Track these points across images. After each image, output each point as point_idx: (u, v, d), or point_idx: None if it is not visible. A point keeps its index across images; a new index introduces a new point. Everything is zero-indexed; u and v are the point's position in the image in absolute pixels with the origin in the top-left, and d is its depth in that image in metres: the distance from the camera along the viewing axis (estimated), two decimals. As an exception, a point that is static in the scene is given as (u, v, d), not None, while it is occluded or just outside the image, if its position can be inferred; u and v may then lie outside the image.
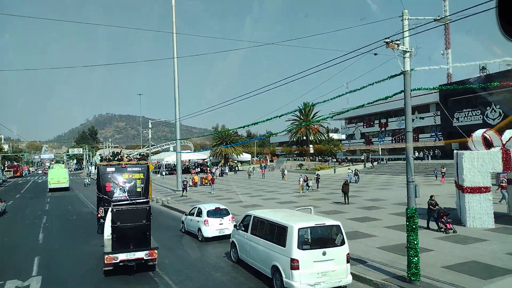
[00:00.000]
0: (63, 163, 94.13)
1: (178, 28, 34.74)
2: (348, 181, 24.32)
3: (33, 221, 23.39)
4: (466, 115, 53.03)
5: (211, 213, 15.92)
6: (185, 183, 33.27)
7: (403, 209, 21.83)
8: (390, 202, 23.63)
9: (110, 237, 11.89)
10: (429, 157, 56.56)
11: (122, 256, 11.31)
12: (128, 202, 13.96)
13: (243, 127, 24.90)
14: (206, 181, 45.33)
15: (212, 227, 15.56)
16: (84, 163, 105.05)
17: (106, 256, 11.24)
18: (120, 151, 24.69)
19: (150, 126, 38.67)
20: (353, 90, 16.79)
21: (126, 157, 22.60)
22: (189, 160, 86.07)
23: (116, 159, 20.30)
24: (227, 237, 15.83)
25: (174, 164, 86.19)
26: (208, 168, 69.91)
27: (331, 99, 16.77)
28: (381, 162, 58.58)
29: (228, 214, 16.15)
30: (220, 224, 15.70)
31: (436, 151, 57.57)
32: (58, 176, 46.75)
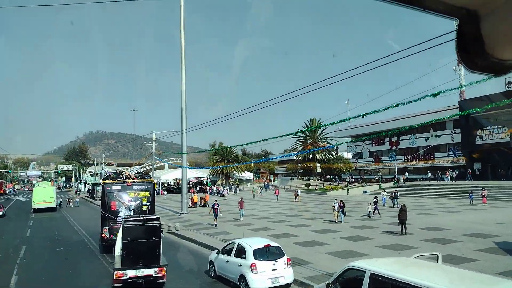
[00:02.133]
0: (50, 181, 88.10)
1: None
2: (405, 207, 19.66)
3: (7, 254, 18.27)
4: (491, 133, 49.17)
5: (259, 254, 11.13)
6: (216, 207, 24.55)
7: (487, 243, 16.49)
8: (458, 233, 19.03)
9: (121, 253, 11.78)
10: (449, 178, 52.31)
11: (131, 273, 11.24)
12: (139, 218, 13.32)
13: (247, 144, 20.67)
14: (205, 202, 40.89)
15: (263, 275, 10.75)
16: (73, 181, 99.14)
17: (116, 272, 11.19)
18: (121, 171, 21.58)
19: (154, 138, 33.68)
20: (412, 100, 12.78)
21: (129, 175, 19.67)
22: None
23: (120, 177, 18.32)
24: (283, 288, 11.12)
25: (169, 183, 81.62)
26: (208, 188, 64.95)
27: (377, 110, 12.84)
28: (398, 183, 54.16)
29: (282, 254, 11.38)
30: (273, 270, 10.92)
31: (457, 170, 53.46)
32: (44, 195, 41.50)
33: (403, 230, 19.14)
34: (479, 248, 15.58)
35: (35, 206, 40.33)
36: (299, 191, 44.19)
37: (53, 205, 41.48)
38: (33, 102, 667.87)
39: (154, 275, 11.35)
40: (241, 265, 11.18)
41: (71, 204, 47.12)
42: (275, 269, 10.92)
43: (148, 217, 13.89)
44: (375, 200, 25.59)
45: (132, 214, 16.42)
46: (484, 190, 32.76)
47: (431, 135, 61.19)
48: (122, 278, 11.07)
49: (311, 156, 68.72)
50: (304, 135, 68.34)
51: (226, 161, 64.86)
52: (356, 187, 56.24)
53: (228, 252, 12.23)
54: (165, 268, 11.52)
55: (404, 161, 65.56)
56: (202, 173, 74.64)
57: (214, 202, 24.80)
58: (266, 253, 11.33)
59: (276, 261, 11.03)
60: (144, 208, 17.11)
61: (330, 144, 68.14)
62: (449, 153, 58.46)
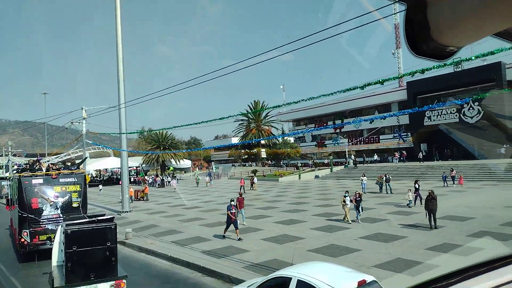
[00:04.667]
0: None
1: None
2: (434, 195, 15.74)
3: None
4: (440, 113, 49.02)
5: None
6: (234, 211, 15.35)
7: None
8: (493, 223, 15.70)
9: (61, 264, 9.56)
10: (398, 159, 51.75)
11: None
12: (87, 220, 10.18)
13: (184, 126, 16.15)
14: (143, 195, 34.63)
15: None
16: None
17: None
18: (37, 159, 18.51)
19: (84, 115, 25.86)
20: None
21: (52, 165, 17.19)
22: (106, 169, 72.07)
23: (37, 168, 16.02)
24: None
25: (93, 176, 71.62)
26: (141, 177, 57.28)
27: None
28: (348, 166, 52.32)
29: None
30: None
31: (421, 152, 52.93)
32: None
33: (433, 223, 15.28)
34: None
35: None
36: (255, 179, 39.40)
37: None
38: None
39: None
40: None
41: None
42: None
43: (99, 217, 11.08)
44: (416, 186, 20.72)
45: (59, 212, 14.56)
46: (452, 171, 31.08)
47: (376, 117, 60.39)
48: None
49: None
50: (247, 118, 63.68)
51: (162, 147, 57.65)
52: (306, 172, 53.20)
53: (275, 292, 6.85)
54: (124, 281, 9.44)
55: (349, 144, 64.35)
56: (133, 162, 66.53)
57: (231, 203, 15.49)
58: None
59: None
60: (75, 205, 15.06)
61: (275, 128, 64.40)
62: (395, 135, 58.10)
